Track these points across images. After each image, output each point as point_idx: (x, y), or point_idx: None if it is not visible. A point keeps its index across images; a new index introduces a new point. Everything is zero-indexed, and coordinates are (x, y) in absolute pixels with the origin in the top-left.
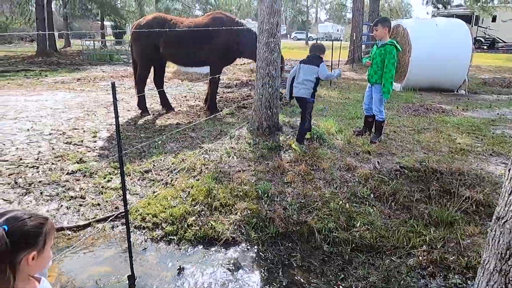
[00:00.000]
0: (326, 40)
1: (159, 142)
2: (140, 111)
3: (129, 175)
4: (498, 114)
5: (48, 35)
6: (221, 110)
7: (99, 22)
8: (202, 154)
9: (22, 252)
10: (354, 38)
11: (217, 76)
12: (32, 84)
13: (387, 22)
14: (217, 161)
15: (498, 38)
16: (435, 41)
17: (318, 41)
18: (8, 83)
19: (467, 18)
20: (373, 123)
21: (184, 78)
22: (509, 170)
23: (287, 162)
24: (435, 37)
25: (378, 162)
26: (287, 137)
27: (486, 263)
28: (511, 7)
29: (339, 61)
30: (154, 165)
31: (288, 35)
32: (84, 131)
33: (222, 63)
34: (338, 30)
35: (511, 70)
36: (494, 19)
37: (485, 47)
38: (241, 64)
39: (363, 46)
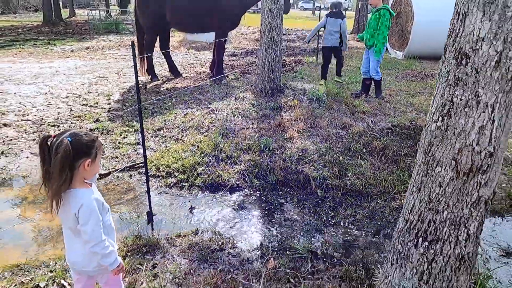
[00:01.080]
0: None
1: (169, 103)
2: (149, 76)
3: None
4: None
5: (54, 4)
6: (227, 76)
7: None
8: (209, 113)
9: (80, 159)
10: (360, 7)
11: (223, 39)
12: (42, 53)
13: None
14: (223, 119)
15: None
16: (439, 8)
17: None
18: (20, 51)
19: None
20: (370, 85)
21: (190, 47)
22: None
23: (288, 121)
24: (438, 5)
25: (371, 121)
26: (289, 98)
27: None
28: None
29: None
30: (165, 124)
31: (295, 5)
32: (98, 95)
33: (229, 26)
34: (346, 0)
35: None
36: None
37: None
38: (246, 34)
39: (369, 15)
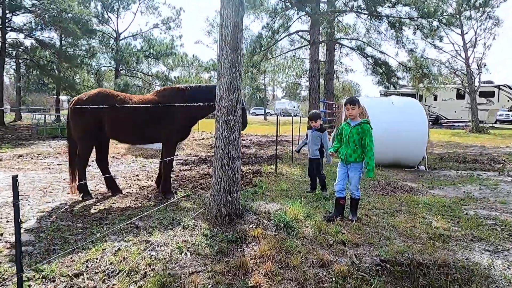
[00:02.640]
0: (283, 115)
1: (98, 233)
2: (80, 194)
3: (54, 281)
4: (464, 192)
5: None
6: (175, 193)
7: (55, 96)
8: (149, 250)
9: None
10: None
11: (172, 154)
12: None
13: (359, 102)
14: (166, 259)
15: (440, 115)
16: (393, 118)
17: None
18: None
19: (412, 97)
20: (344, 206)
21: (139, 154)
22: None
23: (252, 259)
24: (392, 114)
25: (355, 255)
26: (251, 225)
27: None
28: (450, 88)
29: (299, 136)
30: (87, 266)
31: (248, 111)
32: (7, 221)
33: (178, 138)
34: (294, 107)
35: (460, 145)
36: (435, 98)
37: (430, 123)
38: (200, 139)
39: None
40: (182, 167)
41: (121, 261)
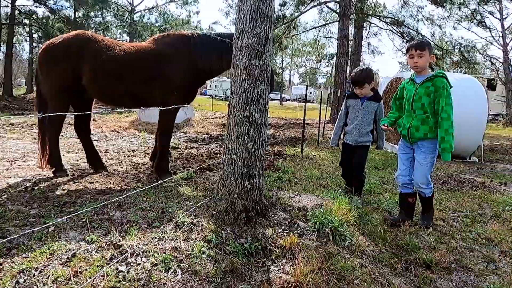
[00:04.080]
0: (300, 101)
1: (52, 228)
2: (52, 169)
3: None
4: None
5: (5, 80)
6: (174, 173)
7: None
8: (117, 261)
9: None
10: (339, 95)
11: (170, 123)
12: None
13: (432, 48)
14: (142, 281)
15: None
16: None
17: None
18: None
19: None
20: (414, 204)
21: (143, 129)
22: None
23: (279, 286)
24: None
25: None
26: (279, 229)
27: None
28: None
29: (322, 120)
30: (18, 283)
31: None
32: None
33: (176, 102)
34: (311, 93)
35: (503, 137)
36: None
37: None
38: (213, 118)
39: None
40: (189, 145)
41: (71, 277)
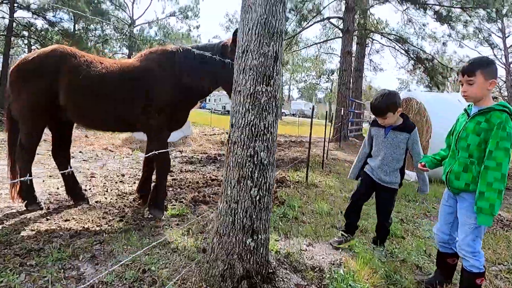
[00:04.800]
0: (299, 116)
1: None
2: (23, 201)
3: None
4: None
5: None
6: (165, 210)
7: None
8: None
9: None
10: (342, 114)
11: (161, 149)
12: None
13: (494, 70)
14: None
15: None
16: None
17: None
18: None
19: None
20: (455, 265)
21: (137, 147)
22: None
23: None
24: (457, 115)
25: None
26: None
27: None
28: None
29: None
30: None
31: None
32: None
33: (166, 125)
34: (310, 108)
35: None
36: None
37: None
38: (210, 135)
39: (349, 123)
40: (185, 167)
41: None
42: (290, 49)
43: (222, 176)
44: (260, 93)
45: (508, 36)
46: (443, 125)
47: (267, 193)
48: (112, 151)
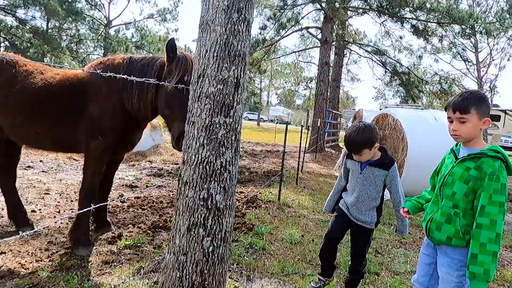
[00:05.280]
0: (277, 123)
1: None
2: None
3: None
4: None
5: None
6: (119, 236)
7: None
8: None
9: None
10: (319, 125)
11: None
12: None
13: (488, 107)
14: None
15: None
16: (435, 137)
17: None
18: None
19: None
20: None
21: None
22: None
23: None
24: (433, 133)
25: None
26: None
27: None
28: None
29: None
30: None
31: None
32: None
33: (104, 146)
34: (288, 114)
35: None
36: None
37: None
38: None
39: (326, 134)
40: (152, 180)
41: None
42: (268, 57)
43: (171, 225)
44: (218, 125)
45: (481, 51)
46: (420, 143)
47: (222, 243)
48: (77, 161)
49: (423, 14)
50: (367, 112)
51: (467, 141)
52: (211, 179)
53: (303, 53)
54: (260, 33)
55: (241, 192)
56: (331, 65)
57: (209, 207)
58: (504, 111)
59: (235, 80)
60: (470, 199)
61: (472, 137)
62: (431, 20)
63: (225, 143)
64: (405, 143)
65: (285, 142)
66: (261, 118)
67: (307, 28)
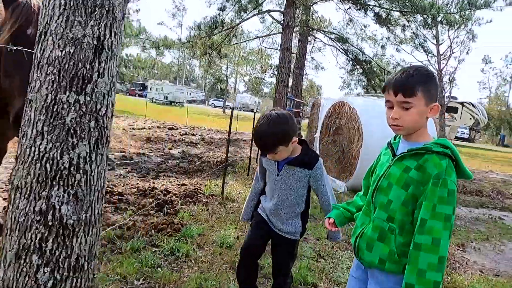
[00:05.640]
0: (243, 110)
1: None
2: None
3: None
4: None
5: None
6: None
7: None
8: None
9: None
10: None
11: None
12: None
13: (436, 88)
14: None
15: None
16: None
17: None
18: None
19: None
20: None
21: None
22: None
23: None
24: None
25: None
26: None
27: None
28: None
29: None
30: None
31: (206, 101)
32: None
33: None
34: (255, 102)
35: None
36: None
37: None
38: (139, 129)
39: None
40: None
41: None
42: (229, 41)
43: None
44: (65, 105)
45: (442, 43)
46: (376, 133)
47: (71, 274)
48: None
49: (386, 2)
50: (326, 100)
51: (410, 133)
52: (54, 183)
53: (268, 39)
54: (219, 14)
55: (183, 185)
56: (294, 51)
57: (50, 223)
58: (462, 103)
59: (95, 42)
60: (410, 210)
61: (416, 127)
62: (394, 8)
63: (77, 132)
64: (360, 133)
65: (230, 130)
66: (227, 105)
67: (269, 11)
